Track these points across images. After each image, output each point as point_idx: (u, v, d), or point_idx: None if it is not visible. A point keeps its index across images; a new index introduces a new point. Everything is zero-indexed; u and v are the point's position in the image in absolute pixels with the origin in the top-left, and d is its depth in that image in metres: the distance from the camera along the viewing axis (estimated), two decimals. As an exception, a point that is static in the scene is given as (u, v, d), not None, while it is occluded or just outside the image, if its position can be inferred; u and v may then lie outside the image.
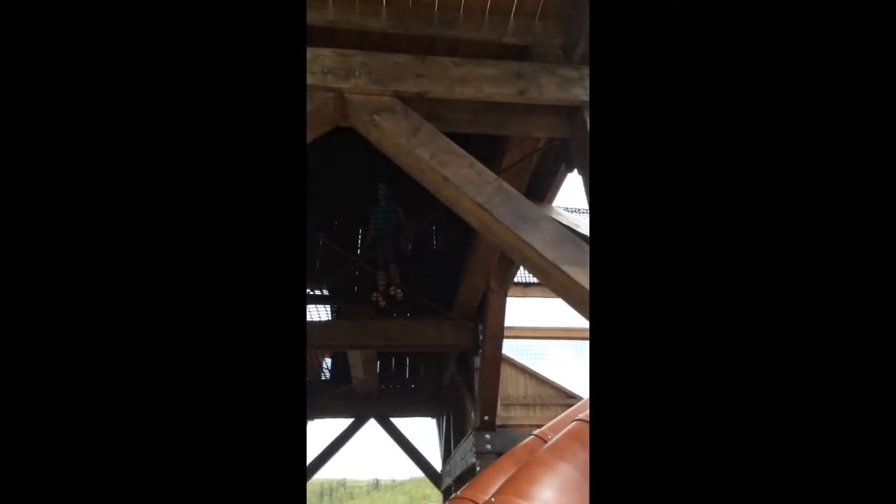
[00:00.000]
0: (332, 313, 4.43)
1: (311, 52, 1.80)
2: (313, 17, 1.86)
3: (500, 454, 3.32)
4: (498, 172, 2.29)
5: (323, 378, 5.70)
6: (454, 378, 4.93)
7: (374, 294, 3.71)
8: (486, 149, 2.66)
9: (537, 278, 1.84)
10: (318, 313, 4.36)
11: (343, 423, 5.96)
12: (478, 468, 3.77)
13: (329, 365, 5.66)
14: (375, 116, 1.77)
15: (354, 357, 4.66)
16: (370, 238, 3.62)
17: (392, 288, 3.61)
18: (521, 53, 2.11)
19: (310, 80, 1.76)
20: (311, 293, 4.26)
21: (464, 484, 3.53)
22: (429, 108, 1.92)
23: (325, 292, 4.26)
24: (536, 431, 2.40)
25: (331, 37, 1.96)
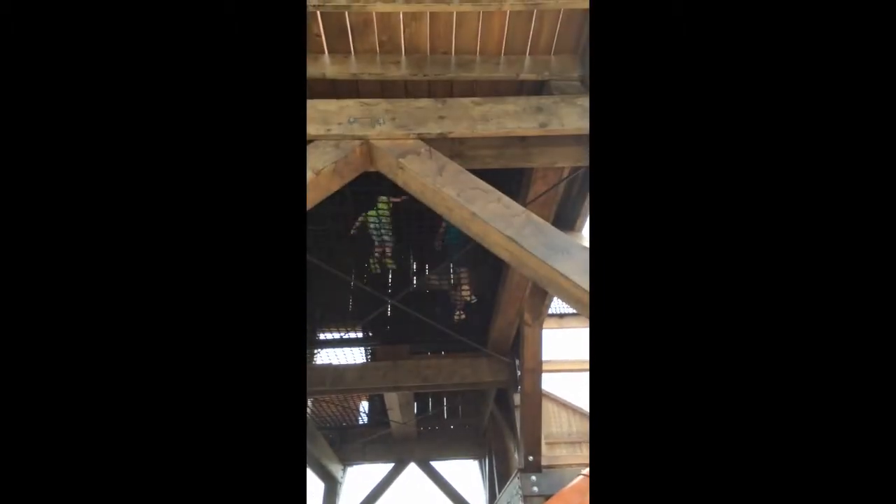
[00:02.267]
0: (366, 356, 4.42)
1: (336, 104, 1.89)
2: (338, 71, 1.96)
3: (547, 497, 3.15)
4: (524, 205, 2.29)
5: (360, 423, 5.63)
6: (494, 417, 4.78)
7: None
8: (511, 182, 2.68)
9: (573, 308, 1.79)
10: (353, 356, 4.37)
11: (382, 469, 5.82)
12: (526, 513, 3.57)
13: (366, 409, 5.60)
14: (401, 160, 1.82)
15: (391, 399, 4.60)
16: (438, 247, 3.55)
17: (467, 294, 3.58)
18: (539, 88, 2.15)
19: (337, 130, 1.84)
20: (345, 336, 4.28)
21: (512, 531, 3.35)
22: (452, 148, 1.96)
23: (360, 335, 4.28)
24: (585, 471, 2.28)
25: (355, 89, 2.06)
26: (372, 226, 3.39)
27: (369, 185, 2.86)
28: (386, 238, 3.46)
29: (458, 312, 3.61)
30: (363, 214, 3.34)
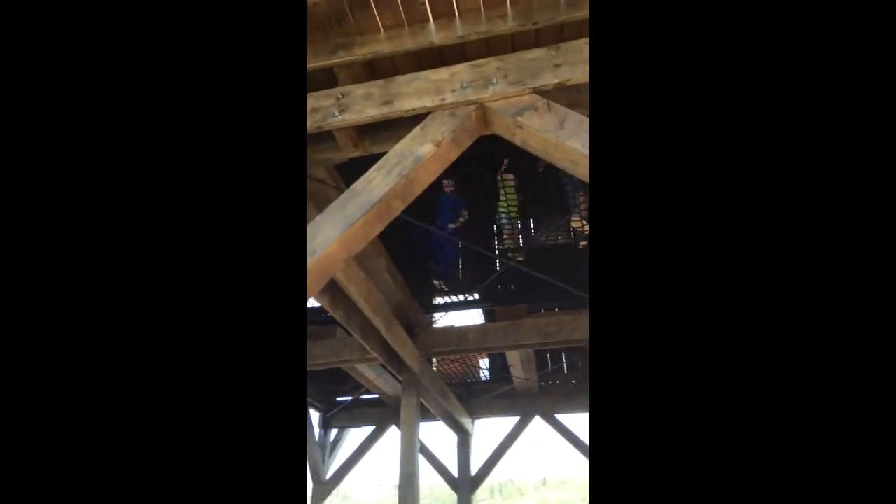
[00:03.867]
0: (485, 316, 4.55)
1: (447, 72, 1.88)
2: (444, 37, 1.94)
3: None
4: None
5: (484, 379, 5.88)
6: (619, 370, 4.66)
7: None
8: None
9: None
10: (471, 318, 4.52)
11: (510, 423, 6.06)
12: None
13: (487, 365, 5.82)
14: (518, 118, 1.77)
15: (512, 357, 4.71)
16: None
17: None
18: (661, 13, 1.92)
19: (451, 97, 1.84)
20: (463, 299, 4.44)
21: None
22: (570, 97, 1.86)
23: (476, 297, 4.40)
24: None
25: (462, 52, 2.03)
26: (502, 214, 3.42)
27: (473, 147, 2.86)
28: (513, 216, 3.47)
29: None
30: (497, 209, 3.37)
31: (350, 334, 3.23)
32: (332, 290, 2.82)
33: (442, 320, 4.51)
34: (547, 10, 1.86)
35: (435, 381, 4.50)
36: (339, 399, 6.01)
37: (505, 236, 3.61)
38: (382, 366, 4.08)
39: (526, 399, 5.79)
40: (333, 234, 1.69)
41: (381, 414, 5.96)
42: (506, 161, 3.26)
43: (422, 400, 4.17)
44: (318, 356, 4.11)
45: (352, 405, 5.94)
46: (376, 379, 4.98)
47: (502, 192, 3.35)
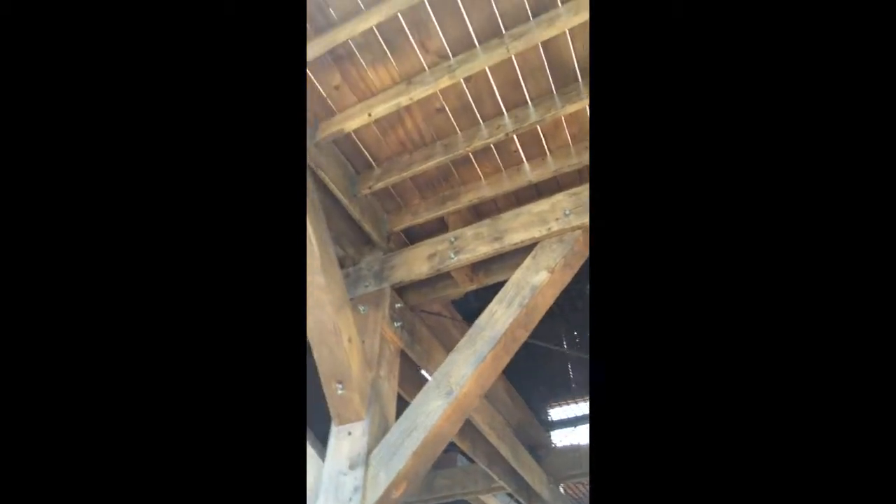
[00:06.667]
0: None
1: (548, 203, 2.04)
2: (539, 175, 2.14)
3: None
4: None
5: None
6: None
7: None
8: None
9: None
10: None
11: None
12: None
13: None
14: (627, 235, 1.83)
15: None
16: None
17: None
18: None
19: (556, 226, 1.97)
20: (582, 414, 4.14)
21: None
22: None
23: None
24: None
25: (556, 184, 2.21)
26: None
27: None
28: None
29: None
30: None
31: (472, 461, 3.12)
32: (456, 419, 2.82)
33: (566, 438, 4.20)
34: (633, 135, 2.01)
35: (568, 511, 4.05)
36: (464, 536, 5.55)
37: None
38: (510, 495, 3.80)
39: None
40: (468, 372, 1.76)
41: (511, 552, 5.36)
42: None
43: (557, 535, 3.74)
44: (441, 488, 3.95)
45: (478, 543, 5.44)
46: (502, 511, 4.60)
47: None
